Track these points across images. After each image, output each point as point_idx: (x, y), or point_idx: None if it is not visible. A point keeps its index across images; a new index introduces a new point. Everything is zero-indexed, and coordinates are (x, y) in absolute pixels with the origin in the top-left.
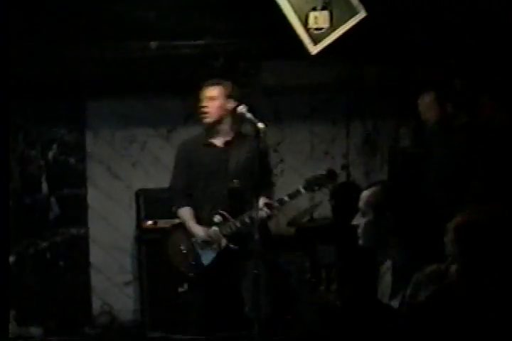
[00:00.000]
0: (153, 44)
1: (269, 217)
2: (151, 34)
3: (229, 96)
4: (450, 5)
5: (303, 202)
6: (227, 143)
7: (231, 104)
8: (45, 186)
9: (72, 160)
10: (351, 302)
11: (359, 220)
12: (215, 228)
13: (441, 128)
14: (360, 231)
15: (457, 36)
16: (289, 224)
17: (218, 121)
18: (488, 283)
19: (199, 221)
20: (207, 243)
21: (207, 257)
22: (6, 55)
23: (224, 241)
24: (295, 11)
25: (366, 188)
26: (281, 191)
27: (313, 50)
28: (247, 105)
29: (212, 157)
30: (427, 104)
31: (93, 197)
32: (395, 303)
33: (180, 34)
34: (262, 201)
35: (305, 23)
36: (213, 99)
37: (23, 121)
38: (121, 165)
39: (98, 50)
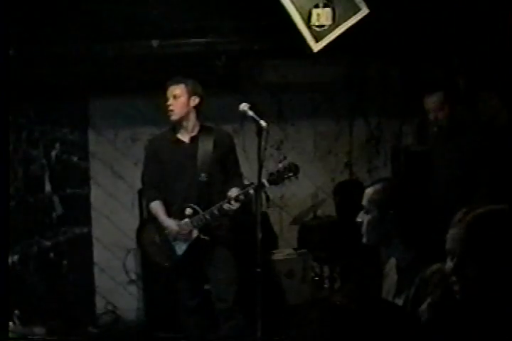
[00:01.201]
0: (154, 42)
1: (234, 209)
2: (154, 33)
3: (193, 93)
4: (454, 2)
5: (306, 200)
6: (193, 139)
7: (195, 101)
8: (48, 185)
9: (74, 160)
10: (355, 300)
11: (362, 217)
12: (186, 220)
13: (448, 127)
14: (363, 228)
15: (461, 34)
16: (293, 222)
17: (183, 118)
18: (490, 280)
19: (170, 214)
20: (178, 235)
21: (180, 247)
22: (5, 54)
23: (195, 232)
24: (297, 9)
25: (370, 185)
26: (284, 188)
27: (316, 47)
28: (249, 103)
29: (180, 152)
30: (436, 104)
31: (96, 196)
32: (399, 302)
33: (183, 32)
34: (233, 190)
35: (307, 21)
36: (177, 97)
37: (25, 120)
38: (124, 164)
39: (101, 49)
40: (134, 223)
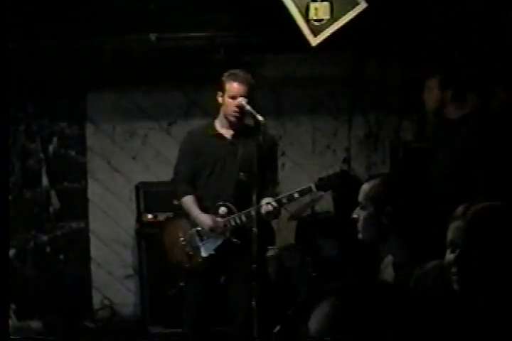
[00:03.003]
0: (152, 36)
1: (274, 213)
2: (152, 26)
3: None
4: None
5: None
6: (235, 135)
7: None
8: (45, 179)
9: (72, 154)
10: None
11: (359, 213)
12: (219, 219)
13: (440, 119)
14: (359, 224)
15: (461, 29)
16: (291, 217)
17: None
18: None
19: (202, 211)
20: (210, 233)
21: (207, 248)
22: (5, 48)
23: (227, 234)
24: (295, 3)
25: (366, 181)
26: (282, 185)
27: (314, 41)
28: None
29: (221, 148)
30: (428, 88)
31: (93, 190)
32: None
33: (182, 26)
34: (266, 200)
35: (305, 15)
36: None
37: (23, 114)
38: (122, 158)
39: (99, 43)
40: (132, 218)
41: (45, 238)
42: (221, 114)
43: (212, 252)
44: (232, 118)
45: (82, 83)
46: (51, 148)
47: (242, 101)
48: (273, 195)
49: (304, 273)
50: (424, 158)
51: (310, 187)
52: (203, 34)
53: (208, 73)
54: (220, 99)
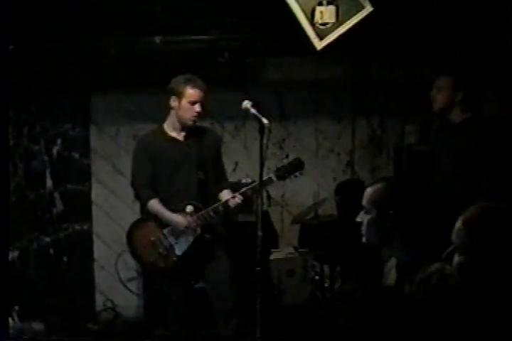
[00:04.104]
0: (157, 39)
1: (240, 206)
2: (156, 29)
3: None
4: (458, 0)
5: (307, 199)
6: (186, 137)
7: None
8: (49, 182)
9: (76, 156)
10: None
11: (363, 217)
12: (190, 217)
13: (443, 121)
14: (363, 228)
15: (465, 33)
16: (294, 221)
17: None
18: (491, 277)
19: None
20: (182, 232)
21: (180, 247)
22: (5, 49)
23: (198, 230)
24: (301, 6)
25: (370, 185)
26: (286, 186)
27: (319, 45)
28: (251, 101)
29: (176, 150)
30: (439, 88)
31: (97, 192)
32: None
33: (186, 29)
34: (226, 193)
35: (311, 18)
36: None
37: (27, 116)
38: (126, 160)
39: (103, 45)
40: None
41: (48, 240)
42: (173, 118)
43: (186, 249)
44: (190, 123)
45: (86, 85)
46: (55, 150)
47: (247, 104)
48: (229, 188)
49: (306, 276)
50: (428, 161)
51: (270, 177)
52: (207, 37)
53: (211, 76)
54: (173, 104)
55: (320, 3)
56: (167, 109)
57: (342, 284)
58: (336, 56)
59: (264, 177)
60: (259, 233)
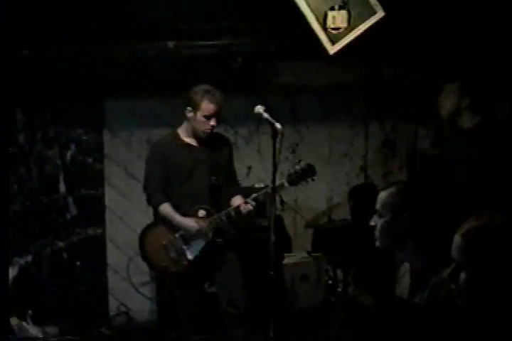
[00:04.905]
0: (170, 44)
1: (253, 212)
2: (170, 34)
3: None
4: (470, 5)
5: (320, 203)
6: (200, 142)
7: None
8: (62, 186)
9: (89, 161)
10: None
11: (376, 221)
12: (202, 222)
13: (454, 126)
14: (376, 232)
15: (476, 37)
16: (307, 225)
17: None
18: (494, 289)
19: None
20: (194, 236)
21: (192, 251)
22: (5, 54)
23: (210, 235)
24: (313, 11)
25: (384, 189)
26: (298, 191)
27: (331, 50)
28: (264, 105)
29: (190, 155)
30: (447, 93)
31: (110, 197)
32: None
33: (199, 34)
34: (238, 198)
35: (323, 23)
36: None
37: (40, 121)
38: (139, 165)
39: (116, 50)
40: None
41: (61, 244)
42: (188, 127)
43: (198, 254)
44: (203, 135)
45: (100, 90)
46: (68, 154)
47: (259, 108)
48: (241, 193)
49: (320, 280)
50: (441, 165)
51: (282, 183)
52: (220, 42)
53: (224, 81)
54: (189, 115)
55: (332, 8)
56: (183, 115)
57: (354, 289)
58: (348, 60)
59: (277, 183)
60: (273, 237)
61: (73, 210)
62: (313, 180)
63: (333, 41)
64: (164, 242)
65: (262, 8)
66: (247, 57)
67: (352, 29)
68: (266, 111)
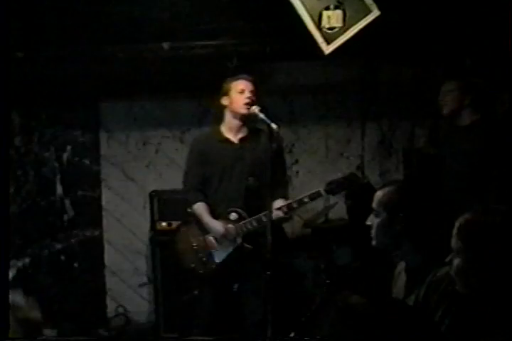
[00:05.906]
0: (165, 44)
1: (285, 218)
2: (165, 35)
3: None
4: (466, 3)
5: (318, 203)
6: (242, 139)
7: None
8: (59, 188)
9: (86, 162)
10: (371, 301)
11: (372, 220)
12: (230, 225)
13: (452, 124)
14: (373, 231)
15: (473, 35)
16: (305, 225)
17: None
18: (488, 280)
19: (213, 217)
20: (222, 239)
21: (220, 255)
22: (6, 56)
23: (239, 240)
24: (308, 11)
25: (380, 188)
26: (296, 191)
27: (327, 49)
28: (260, 105)
29: (228, 153)
30: (448, 91)
31: (107, 199)
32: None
33: (194, 34)
34: (278, 202)
35: (318, 23)
36: (254, 92)
37: (36, 123)
38: (136, 166)
39: (112, 51)
40: (146, 226)
41: (59, 246)
42: (227, 117)
43: (225, 258)
44: (244, 111)
45: (95, 92)
46: (65, 156)
47: (255, 109)
48: (284, 196)
49: (317, 280)
50: (438, 164)
51: (319, 191)
52: (216, 42)
53: (221, 81)
54: (225, 101)
55: (327, 8)
56: (179, 114)
57: (348, 288)
58: (343, 60)
59: (313, 191)
60: (269, 237)
61: (70, 212)
62: (354, 191)
63: (329, 41)
64: (194, 242)
65: (257, 8)
66: (242, 58)
67: (347, 28)
68: (261, 111)
